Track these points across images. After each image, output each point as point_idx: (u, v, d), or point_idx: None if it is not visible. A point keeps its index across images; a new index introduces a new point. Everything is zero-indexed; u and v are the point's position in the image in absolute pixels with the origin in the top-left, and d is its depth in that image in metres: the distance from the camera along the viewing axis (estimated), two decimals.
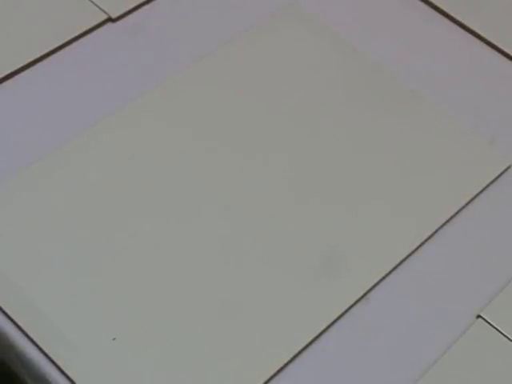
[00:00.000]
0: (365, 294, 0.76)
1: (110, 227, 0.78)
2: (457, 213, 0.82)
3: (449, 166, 0.85)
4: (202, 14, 0.95)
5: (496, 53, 0.95)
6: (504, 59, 0.94)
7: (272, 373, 0.71)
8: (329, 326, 0.74)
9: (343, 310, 0.75)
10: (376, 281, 0.77)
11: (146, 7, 0.95)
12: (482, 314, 0.76)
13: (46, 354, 0.71)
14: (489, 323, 0.75)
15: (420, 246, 0.80)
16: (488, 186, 0.84)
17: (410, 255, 0.79)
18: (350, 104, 0.88)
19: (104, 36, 0.92)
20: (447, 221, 0.81)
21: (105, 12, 0.93)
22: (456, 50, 0.95)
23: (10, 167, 0.81)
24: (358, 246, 0.79)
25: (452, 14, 0.97)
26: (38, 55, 0.88)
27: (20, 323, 0.72)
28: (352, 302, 0.76)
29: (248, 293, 0.75)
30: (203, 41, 0.92)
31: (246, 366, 0.71)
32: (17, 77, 0.88)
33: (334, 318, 0.75)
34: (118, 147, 0.83)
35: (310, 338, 0.73)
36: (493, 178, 0.84)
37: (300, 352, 0.73)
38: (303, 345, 0.73)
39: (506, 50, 0.94)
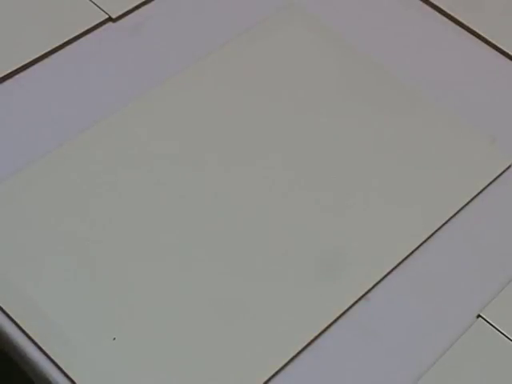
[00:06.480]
0: (365, 294, 0.76)
1: (110, 227, 0.78)
2: (457, 213, 0.82)
3: (449, 166, 0.85)
4: (201, 14, 0.95)
5: (496, 53, 0.95)
6: (504, 59, 0.94)
7: (272, 373, 0.71)
8: (329, 326, 0.74)
9: (343, 310, 0.75)
10: (376, 281, 0.77)
11: (146, 7, 0.95)
12: (481, 314, 0.76)
13: (46, 354, 0.71)
14: (489, 323, 0.75)
15: (420, 246, 0.80)
16: (488, 185, 0.84)
17: (409, 255, 0.79)
18: (351, 104, 0.88)
19: (104, 36, 0.92)
20: (447, 221, 0.81)
21: (105, 12, 0.93)
22: (456, 50, 0.95)
23: (10, 167, 0.81)
24: (358, 245, 0.79)
25: (452, 13, 0.97)
26: (38, 55, 0.88)
27: (20, 323, 0.72)
28: (352, 302, 0.76)
29: (248, 293, 0.75)
30: (203, 41, 0.92)
31: (246, 366, 0.71)
32: (17, 76, 0.88)
33: (334, 317, 0.75)
34: (118, 147, 0.83)
35: (310, 338, 0.73)
36: (493, 177, 0.84)
37: (300, 352, 0.73)
38: (303, 345, 0.73)
39: (506, 49, 0.94)
